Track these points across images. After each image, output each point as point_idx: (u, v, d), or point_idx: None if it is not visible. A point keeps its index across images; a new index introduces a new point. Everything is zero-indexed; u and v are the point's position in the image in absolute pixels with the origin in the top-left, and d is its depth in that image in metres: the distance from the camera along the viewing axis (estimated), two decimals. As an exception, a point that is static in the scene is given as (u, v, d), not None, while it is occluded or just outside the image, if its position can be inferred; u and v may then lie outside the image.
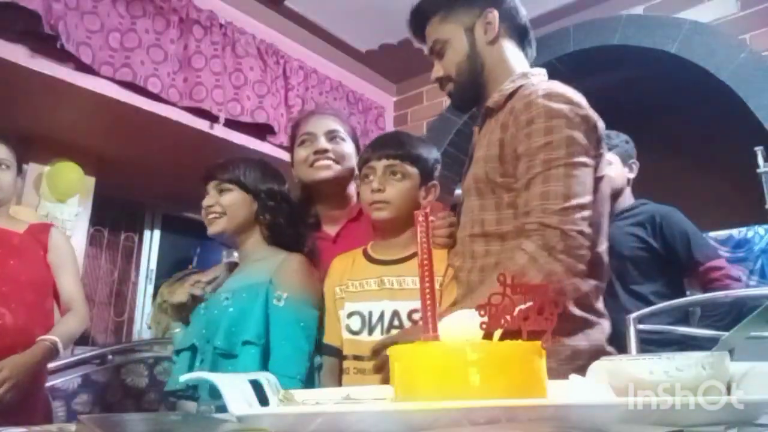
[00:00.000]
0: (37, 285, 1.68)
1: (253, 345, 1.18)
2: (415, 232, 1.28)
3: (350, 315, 1.24)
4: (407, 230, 1.26)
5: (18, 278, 1.62)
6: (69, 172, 2.75)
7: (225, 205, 1.33)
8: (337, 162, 1.44)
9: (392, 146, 1.26)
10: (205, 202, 1.35)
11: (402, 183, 1.24)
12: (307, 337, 1.22)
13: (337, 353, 1.26)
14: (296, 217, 1.40)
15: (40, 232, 1.76)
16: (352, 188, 1.51)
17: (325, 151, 1.43)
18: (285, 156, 1.91)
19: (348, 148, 1.47)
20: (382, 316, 1.20)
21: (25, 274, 1.65)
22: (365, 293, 1.24)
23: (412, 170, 1.25)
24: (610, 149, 2.04)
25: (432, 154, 1.31)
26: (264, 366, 1.16)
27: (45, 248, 1.73)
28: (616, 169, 2.05)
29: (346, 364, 1.24)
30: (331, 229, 1.48)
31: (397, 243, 1.28)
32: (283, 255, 1.31)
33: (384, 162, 1.24)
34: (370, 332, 1.20)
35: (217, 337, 1.18)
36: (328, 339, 1.27)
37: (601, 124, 1.06)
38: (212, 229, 1.34)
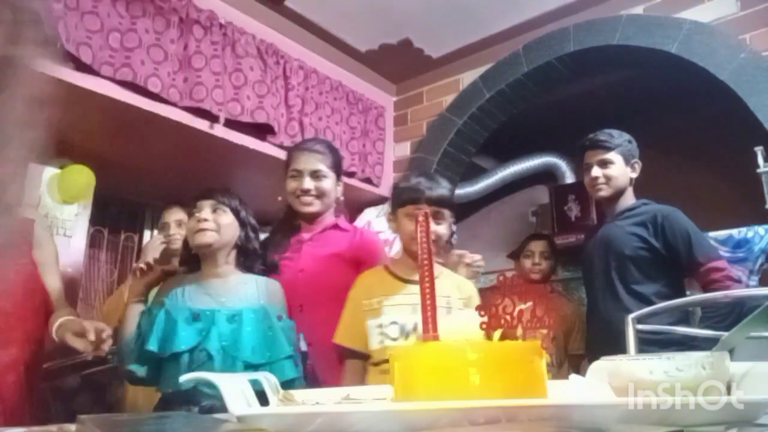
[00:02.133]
0: (25, 281, 1.60)
1: (292, 356, 1.37)
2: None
3: (390, 324, 1.46)
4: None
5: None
6: (82, 176, 2.72)
7: (220, 224, 1.47)
8: (318, 197, 1.74)
9: (440, 192, 1.50)
10: (201, 214, 1.46)
11: (441, 226, 1.50)
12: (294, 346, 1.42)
13: (361, 356, 1.48)
14: (265, 247, 1.62)
15: (23, 225, 1.65)
16: (330, 212, 1.81)
17: (308, 191, 1.73)
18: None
19: (329, 184, 1.76)
20: (415, 327, 1.43)
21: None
22: (401, 307, 1.47)
23: (447, 212, 1.52)
24: (612, 149, 2.04)
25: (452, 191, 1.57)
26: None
27: (29, 243, 1.64)
28: (619, 169, 2.05)
29: (374, 366, 1.45)
30: (307, 234, 1.78)
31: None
32: (261, 279, 1.51)
33: (434, 208, 1.47)
34: (406, 338, 1.43)
35: (242, 353, 1.33)
36: (353, 344, 1.48)
37: None
38: (201, 240, 1.45)
